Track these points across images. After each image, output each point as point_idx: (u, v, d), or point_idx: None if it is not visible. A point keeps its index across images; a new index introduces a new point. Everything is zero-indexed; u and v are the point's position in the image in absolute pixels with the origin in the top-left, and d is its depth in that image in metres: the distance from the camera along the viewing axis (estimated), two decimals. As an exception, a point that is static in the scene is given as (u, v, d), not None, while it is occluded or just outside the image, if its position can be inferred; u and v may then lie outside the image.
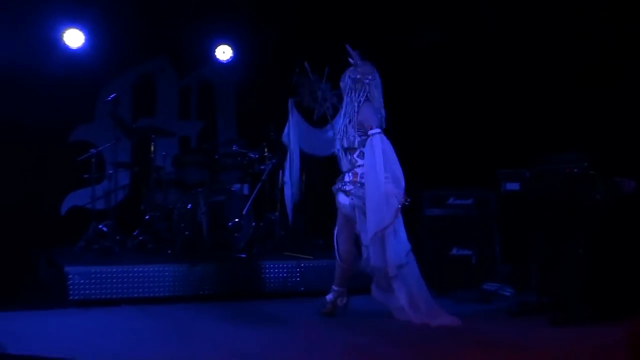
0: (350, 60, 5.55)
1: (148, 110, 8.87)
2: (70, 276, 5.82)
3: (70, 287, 5.80)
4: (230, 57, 8.89)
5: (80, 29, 8.01)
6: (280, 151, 7.23)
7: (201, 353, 4.52)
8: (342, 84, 5.59)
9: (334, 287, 5.62)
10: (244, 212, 6.95)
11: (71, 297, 5.80)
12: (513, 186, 6.10)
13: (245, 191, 7.63)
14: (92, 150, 7.46)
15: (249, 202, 7.04)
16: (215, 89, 9.16)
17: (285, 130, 6.41)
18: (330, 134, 5.84)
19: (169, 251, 6.89)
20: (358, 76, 5.49)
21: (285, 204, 6.75)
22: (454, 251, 6.72)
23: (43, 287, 6.42)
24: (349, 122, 5.46)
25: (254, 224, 7.10)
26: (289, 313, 5.79)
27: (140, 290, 6.04)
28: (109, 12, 7.98)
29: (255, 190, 7.24)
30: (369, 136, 5.35)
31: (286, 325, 5.37)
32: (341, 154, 5.57)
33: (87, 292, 5.85)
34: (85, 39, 8.05)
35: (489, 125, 7.58)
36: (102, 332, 4.99)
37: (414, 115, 7.77)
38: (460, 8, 7.67)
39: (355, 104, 5.45)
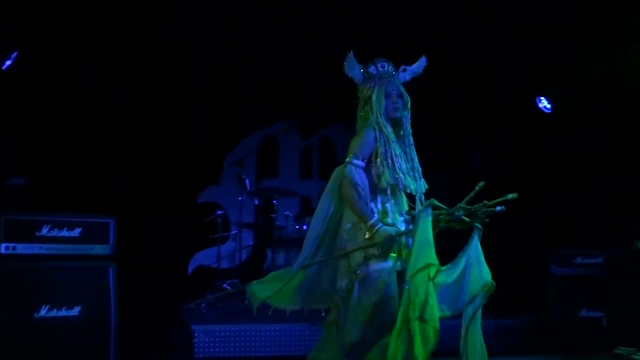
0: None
1: (271, 172, 9.11)
2: (196, 334, 5.96)
3: (196, 345, 5.93)
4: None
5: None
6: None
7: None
8: (406, 112, 4.19)
9: None
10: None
11: (196, 355, 5.92)
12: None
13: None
14: (218, 212, 7.76)
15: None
16: (338, 149, 9.29)
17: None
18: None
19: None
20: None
21: None
22: (583, 313, 6.42)
23: (169, 345, 6.61)
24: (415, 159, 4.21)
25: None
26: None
27: (264, 349, 6.06)
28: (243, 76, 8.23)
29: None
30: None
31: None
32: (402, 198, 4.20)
33: (212, 350, 5.95)
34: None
35: (619, 179, 7.22)
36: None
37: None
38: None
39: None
